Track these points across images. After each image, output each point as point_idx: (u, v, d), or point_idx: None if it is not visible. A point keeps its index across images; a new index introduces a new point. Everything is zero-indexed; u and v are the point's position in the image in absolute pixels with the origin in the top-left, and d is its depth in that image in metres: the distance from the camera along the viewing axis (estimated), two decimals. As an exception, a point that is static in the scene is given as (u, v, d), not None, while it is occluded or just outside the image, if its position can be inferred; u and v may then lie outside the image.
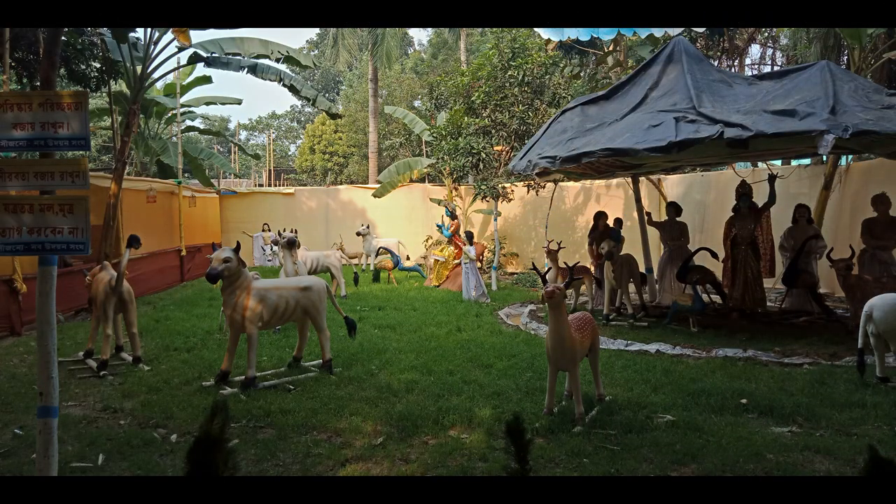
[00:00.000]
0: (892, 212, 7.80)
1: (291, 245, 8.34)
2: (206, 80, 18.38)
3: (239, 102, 18.88)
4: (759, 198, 8.63)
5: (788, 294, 9.01)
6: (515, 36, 13.29)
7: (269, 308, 5.67)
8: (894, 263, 7.61)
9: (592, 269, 9.82)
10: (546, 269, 8.51)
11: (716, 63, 14.96)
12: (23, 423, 4.69)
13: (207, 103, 19.42)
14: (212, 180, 19.05)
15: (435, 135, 14.25)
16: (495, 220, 13.19)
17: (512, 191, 14.08)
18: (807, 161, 11.59)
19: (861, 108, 6.12)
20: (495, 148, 13.35)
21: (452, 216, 12.19)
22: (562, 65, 15.33)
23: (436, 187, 17.16)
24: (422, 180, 18.32)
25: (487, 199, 13.55)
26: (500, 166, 13.32)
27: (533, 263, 6.59)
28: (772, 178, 8.22)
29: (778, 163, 12.63)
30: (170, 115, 18.63)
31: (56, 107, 3.24)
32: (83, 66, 11.65)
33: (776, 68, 16.63)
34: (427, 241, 16.12)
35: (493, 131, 13.38)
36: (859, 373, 5.38)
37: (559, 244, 9.34)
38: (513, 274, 14.87)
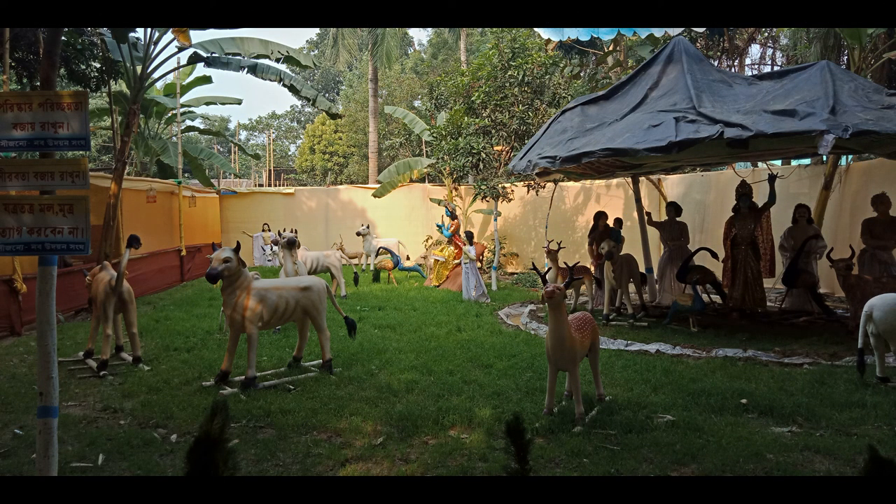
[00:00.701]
0: (892, 212, 7.80)
1: (291, 245, 8.34)
2: (206, 80, 18.39)
3: (239, 102, 18.89)
4: (759, 198, 8.63)
5: (788, 294, 9.01)
6: (515, 36, 13.29)
7: (269, 308, 5.67)
8: (894, 263, 7.62)
9: (592, 269, 9.82)
10: (546, 269, 8.52)
11: (716, 63, 14.96)
12: (23, 423, 4.69)
13: (207, 103, 19.43)
14: (212, 180, 19.06)
15: (435, 135, 14.25)
16: (495, 220, 13.19)
17: (512, 191, 14.08)
18: (807, 161, 11.60)
19: (861, 108, 6.13)
20: (495, 148, 13.35)
21: (452, 216, 12.19)
22: (562, 65, 15.33)
23: (436, 187, 17.16)
24: (422, 180, 18.32)
25: (487, 199, 13.55)
26: (500, 166, 13.31)
27: (533, 263, 6.59)
28: (772, 178, 8.22)
29: (778, 163, 12.63)
30: (170, 115, 18.64)
31: (56, 107, 3.24)
32: (83, 66, 11.65)
33: (776, 68, 16.62)
34: (427, 241, 16.12)
35: (493, 131, 13.38)
36: (859, 373, 5.38)
37: (559, 244, 9.34)
38: (513, 274, 14.87)
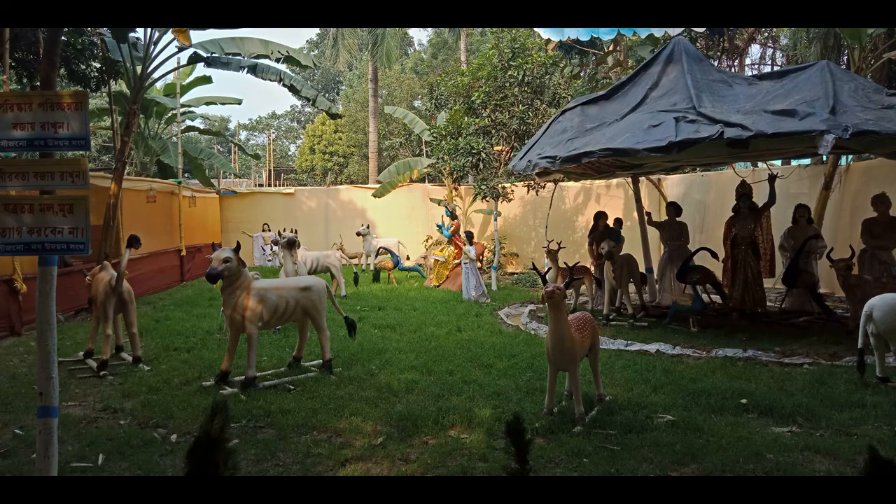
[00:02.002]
0: (892, 212, 7.80)
1: (291, 245, 8.33)
2: (206, 80, 18.39)
3: (239, 102, 18.89)
4: (759, 198, 8.63)
5: (788, 294, 9.01)
6: (515, 36, 13.29)
7: (269, 308, 5.67)
8: (894, 263, 7.62)
9: (592, 269, 9.82)
10: (546, 269, 8.51)
11: (716, 63, 14.96)
12: (23, 423, 4.69)
13: (207, 103, 19.43)
14: (212, 180, 19.05)
15: (435, 135, 14.25)
16: (495, 220, 13.19)
17: (512, 191, 14.08)
18: (807, 161, 11.59)
19: (861, 108, 6.13)
20: (495, 148, 13.35)
21: (452, 216, 12.19)
22: (562, 65, 15.33)
23: (436, 187, 17.17)
24: (422, 180, 18.33)
25: (487, 199, 13.55)
26: (500, 166, 13.31)
27: (533, 263, 6.59)
28: (772, 178, 8.22)
29: (778, 163, 12.63)
30: (170, 115, 18.63)
31: (56, 107, 3.24)
32: (83, 66, 11.64)
33: (776, 68, 16.63)
34: (427, 241, 16.12)
35: (493, 131, 13.38)
36: (859, 373, 5.38)
37: (559, 244, 9.34)
38: (513, 274, 14.87)
